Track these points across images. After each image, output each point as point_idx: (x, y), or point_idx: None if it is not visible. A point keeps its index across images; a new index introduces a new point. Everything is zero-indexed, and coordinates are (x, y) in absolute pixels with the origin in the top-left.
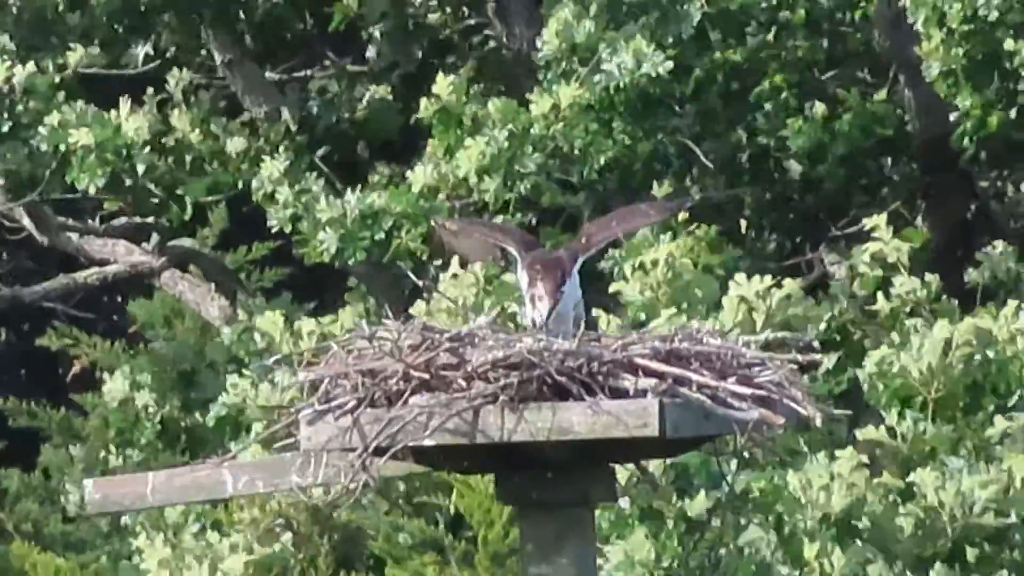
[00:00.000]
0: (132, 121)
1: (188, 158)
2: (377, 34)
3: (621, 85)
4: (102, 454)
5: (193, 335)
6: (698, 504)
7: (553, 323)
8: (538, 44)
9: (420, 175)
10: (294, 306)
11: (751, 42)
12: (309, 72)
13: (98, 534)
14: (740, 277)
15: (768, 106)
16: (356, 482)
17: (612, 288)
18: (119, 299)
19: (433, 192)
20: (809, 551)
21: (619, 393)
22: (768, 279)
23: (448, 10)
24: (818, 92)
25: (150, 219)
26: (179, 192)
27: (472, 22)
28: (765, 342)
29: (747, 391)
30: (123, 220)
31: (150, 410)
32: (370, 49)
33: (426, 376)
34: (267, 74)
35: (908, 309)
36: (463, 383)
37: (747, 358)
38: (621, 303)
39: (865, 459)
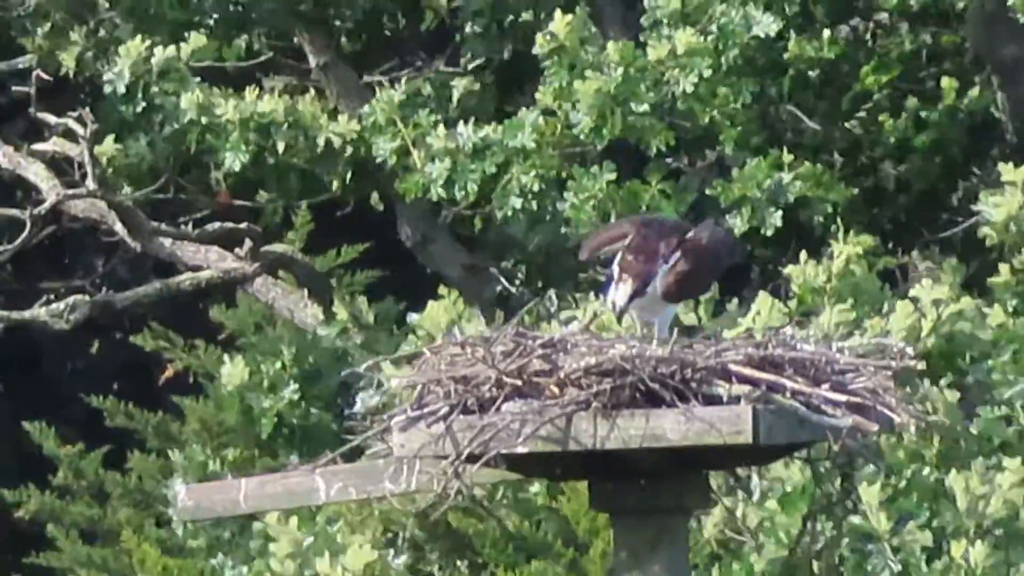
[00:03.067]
0: (268, 102)
1: (320, 141)
2: (470, 31)
3: (732, 43)
4: (199, 458)
5: (290, 339)
6: (870, 493)
7: (638, 312)
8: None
9: (529, 118)
10: (397, 306)
11: (847, 34)
12: (403, 73)
13: (190, 535)
14: (926, 282)
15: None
16: (449, 489)
17: (786, 270)
18: (200, 306)
19: (542, 137)
20: (956, 549)
21: (712, 400)
22: (946, 290)
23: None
24: (913, 90)
25: (243, 224)
26: (316, 172)
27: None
28: (860, 349)
29: (841, 398)
30: (216, 226)
31: (266, 404)
32: (463, 49)
33: (519, 382)
34: (362, 78)
35: None
36: (556, 389)
37: (841, 364)
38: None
39: None
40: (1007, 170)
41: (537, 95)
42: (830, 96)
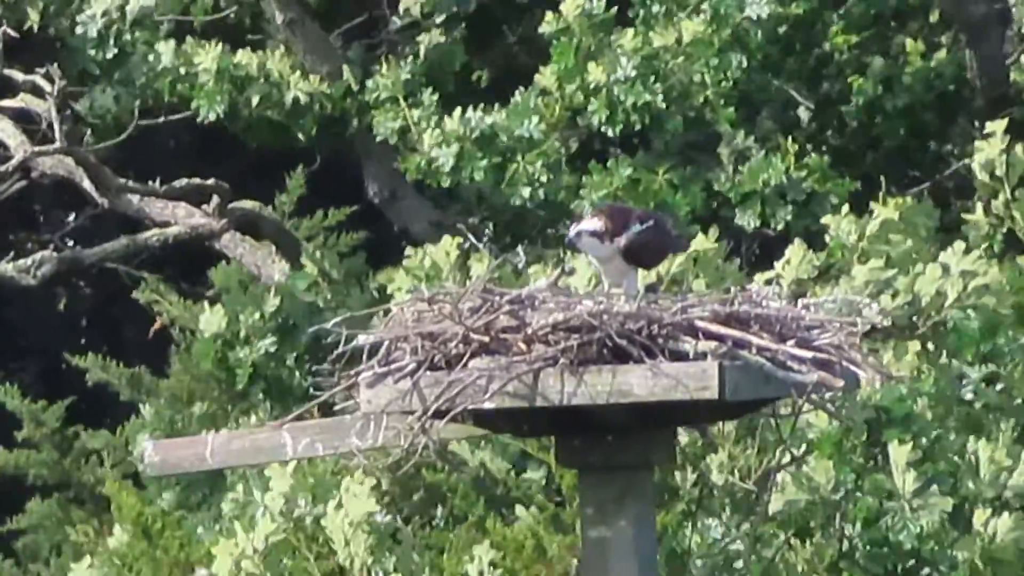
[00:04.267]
0: (243, 55)
1: (288, 98)
2: None
3: (725, 23)
4: (168, 412)
5: (274, 292)
6: (899, 452)
7: (605, 274)
8: None
9: (527, 100)
10: (367, 266)
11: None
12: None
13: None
14: (958, 246)
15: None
16: (415, 445)
17: (823, 220)
18: (190, 261)
19: (543, 119)
20: (978, 518)
21: (679, 356)
22: (978, 257)
23: None
24: (880, 49)
25: (210, 180)
26: (287, 124)
27: None
28: (825, 305)
29: (807, 354)
30: (183, 182)
31: (242, 355)
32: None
33: (486, 339)
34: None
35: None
36: (523, 346)
37: (806, 321)
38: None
39: None
40: (991, 124)
41: (537, 76)
42: (800, 55)
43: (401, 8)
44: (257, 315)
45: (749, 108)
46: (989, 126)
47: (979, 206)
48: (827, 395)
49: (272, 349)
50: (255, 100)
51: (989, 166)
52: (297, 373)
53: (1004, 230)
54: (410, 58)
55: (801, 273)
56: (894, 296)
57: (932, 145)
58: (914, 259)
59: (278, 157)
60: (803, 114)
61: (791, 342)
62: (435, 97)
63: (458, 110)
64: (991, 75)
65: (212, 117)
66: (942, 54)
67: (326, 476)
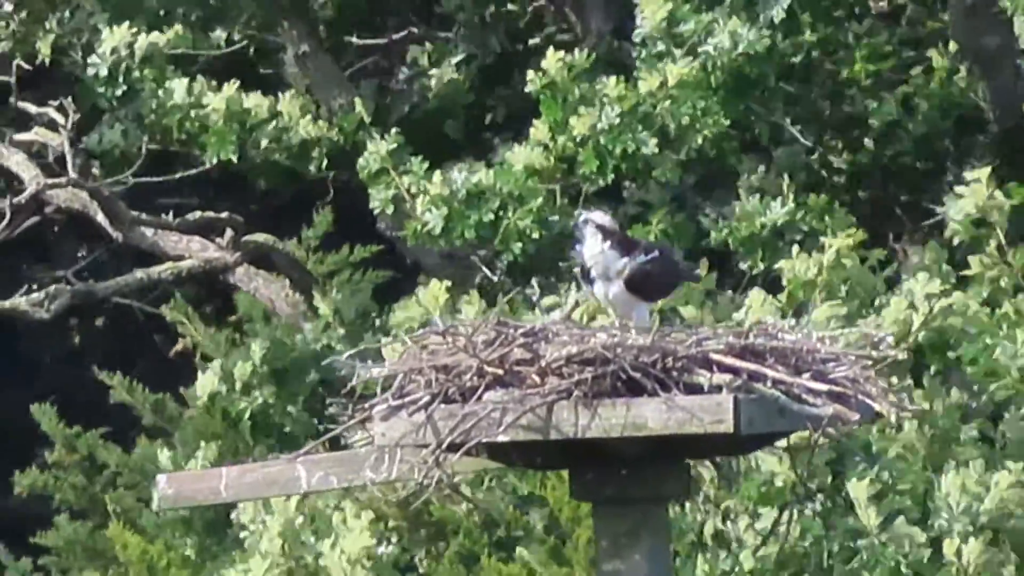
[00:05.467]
0: (252, 98)
1: (295, 141)
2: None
3: (719, 63)
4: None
5: (288, 331)
6: (858, 488)
7: (615, 308)
8: (624, 35)
9: (522, 155)
10: (373, 302)
11: (835, 28)
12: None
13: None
14: (921, 275)
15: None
16: (429, 478)
17: (778, 264)
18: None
19: (536, 173)
20: (949, 547)
21: (693, 389)
22: (937, 283)
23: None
24: (897, 81)
25: (224, 214)
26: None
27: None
28: (843, 339)
29: (822, 387)
30: (197, 215)
31: (241, 405)
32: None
33: (500, 372)
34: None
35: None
36: (537, 378)
37: (822, 354)
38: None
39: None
40: (975, 172)
41: (532, 130)
42: (818, 82)
43: (409, 57)
44: (249, 367)
45: (749, 147)
46: (972, 174)
47: (974, 259)
48: (842, 429)
49: (271, 399)
50: (264, 143)
51: (977, 211)
52: (302, 415)
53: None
54: (393, 131)
55: (765, 316)
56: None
57: (948, 176)
58: (874, 288)
59: (292, 189)
60: (803, 149)
61: (807, 375)
62: (424, 165)
63: (437, 172)
64: (1004, 106)
65: (221, 158)
66: (960, 82)
67: (326, 511)
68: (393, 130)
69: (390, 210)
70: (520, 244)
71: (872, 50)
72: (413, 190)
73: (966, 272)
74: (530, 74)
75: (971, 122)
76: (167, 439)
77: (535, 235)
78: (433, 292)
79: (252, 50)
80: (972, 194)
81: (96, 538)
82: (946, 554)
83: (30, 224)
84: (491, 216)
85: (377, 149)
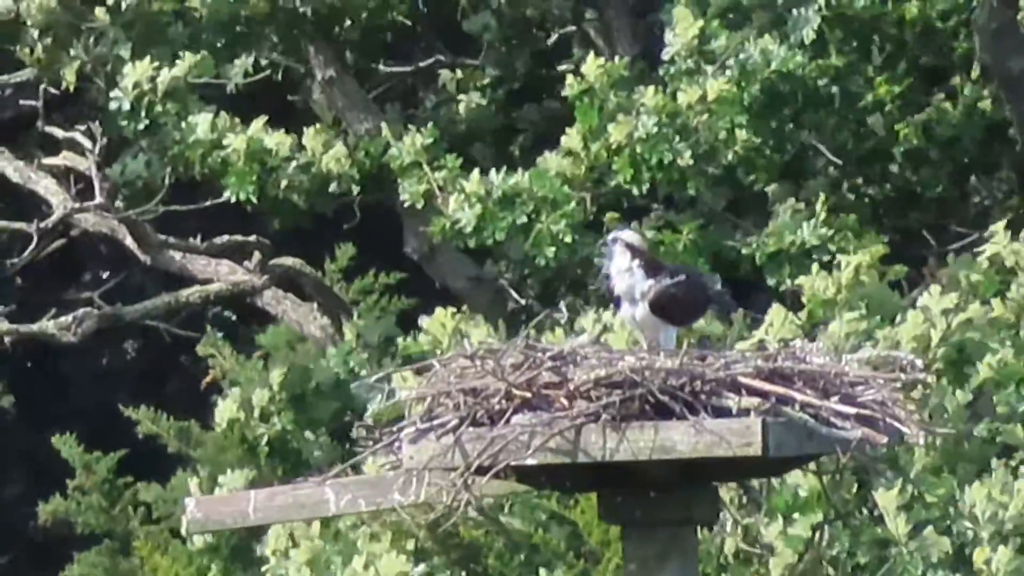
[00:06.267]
0: (275, 136)
1: (317, 178)
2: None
3: (754, 78)
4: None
5: (309, 358)
6: (887, 498)
7: (643, 331)
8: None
9: (553, 162)
10: (397, 328)
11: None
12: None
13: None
14: (935, 290)
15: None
16: (458, 501)
17: (798, 280)
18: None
19: (567, 181)
20: (979, 556)
21: (722, 412)
22: (953, 297)
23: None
24: (922, 104)
25: (251, 237)
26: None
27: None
28: (869, 361)
29: (850, 410)
30: (225, 239)
31: (259, 431)
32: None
33: (528, 395)
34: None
35: None
36: (565, 402)
37: (850, 377)
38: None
39: None
40: (995, 227)
41: (563, 138)
42: (844, 105)
43: (440, 83)
44: (267, 394)
45: (780, 169)
46: (992, 228)
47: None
48: (870, 451)
49: (290, 426)
50: (283, 183)
51: (996, 260)
52: (323, 441)
53: None
54: (430, 124)
55: (785, 334)
56: (875, 346)
57: (976, 199)
58: (894, 304)
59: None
60: (833, 170)
61: (835, 398)
62: (458, 161)
63: (476, 171)
64: None
65: (241, 197)
66: (986, 104)
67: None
68: (429, 124)
69: (420, 204)
70: (553, 248)
71: (892, 75)
72: (448, 188)
73: (993, 314)
74: (569, 78)
75: (996, 145)
76: (193, 465)
77: (567, 239)
78: (439, 319)
79: (278, 76)
80: (990, 246)
81: (118, 563)
82: (975, 562)
83: (58, 246)
84: (524, 219)
85: (413, 141)
